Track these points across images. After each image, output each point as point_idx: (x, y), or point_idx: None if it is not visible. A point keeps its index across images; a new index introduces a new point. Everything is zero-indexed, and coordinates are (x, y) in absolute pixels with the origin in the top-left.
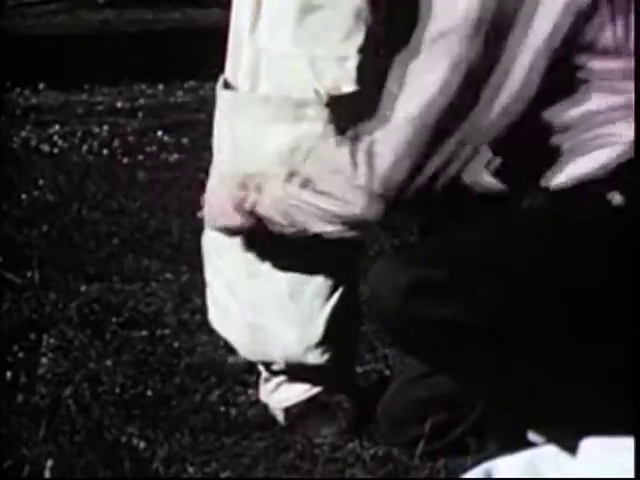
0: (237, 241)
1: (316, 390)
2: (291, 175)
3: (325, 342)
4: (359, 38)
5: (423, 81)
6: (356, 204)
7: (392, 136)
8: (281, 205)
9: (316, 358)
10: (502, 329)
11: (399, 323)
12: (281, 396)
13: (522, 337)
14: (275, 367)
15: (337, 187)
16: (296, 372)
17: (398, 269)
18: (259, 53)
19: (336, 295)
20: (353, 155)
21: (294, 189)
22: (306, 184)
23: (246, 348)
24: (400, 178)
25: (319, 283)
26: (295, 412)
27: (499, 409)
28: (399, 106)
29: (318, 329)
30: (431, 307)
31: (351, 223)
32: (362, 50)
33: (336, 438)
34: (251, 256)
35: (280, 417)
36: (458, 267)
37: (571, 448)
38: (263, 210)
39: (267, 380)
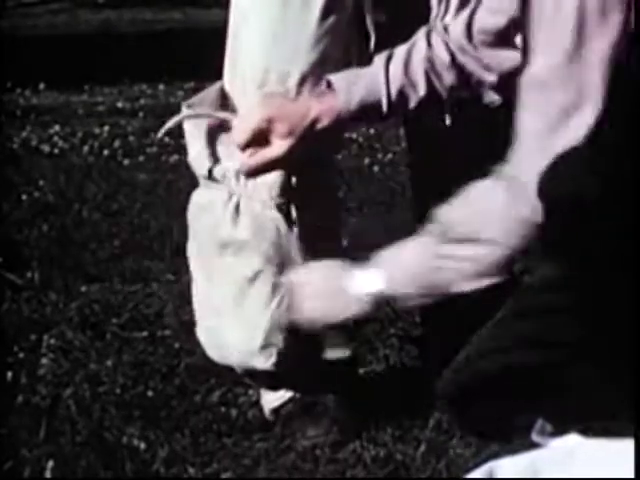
0: (197, 241)
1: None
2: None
3: (268, 347)
4: (307, 57)
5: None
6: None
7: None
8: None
9: (261, 363)
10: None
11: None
12: (268, 397)
13: None
14: (238, 372)
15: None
16: (257, 378)
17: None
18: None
19: (274, 302)
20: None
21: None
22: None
23: (210, 351)
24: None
25: (260, 288)
26: (282, 413)
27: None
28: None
29: (259, 334)
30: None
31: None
32: (310, 71)
33: (322, 440)
34: (207, 258)
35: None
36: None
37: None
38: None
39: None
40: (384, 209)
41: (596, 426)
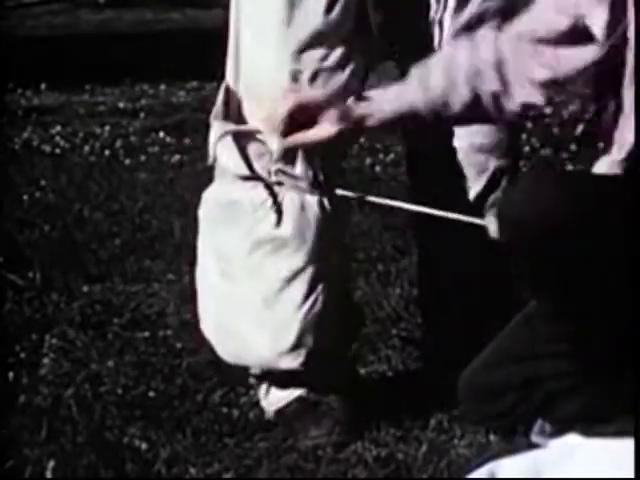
0: (217, 239)
1: (303, 390)
2: None
3: (298, 347)
4: (316, 53)
5: None
6: None
7: None
8: None
9: (288, 363)
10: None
11: None
12: (271, 399)
13: None
14: (253, 371)
15: None
16: (273, 377)
17: None
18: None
19: (310, 301)
20: None
21: None
22: None
23: (222, 350)
24: None
25: (294, 289)
26: (286, 414)
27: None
28: None
29: (291, 335)
30: None
31: None
32: (322, 63)
33: (324, 440)
34: (224, 254)
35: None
36: None
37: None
38: None
39: (258, 384)
40: (385, 209)
41: (596, 426)
